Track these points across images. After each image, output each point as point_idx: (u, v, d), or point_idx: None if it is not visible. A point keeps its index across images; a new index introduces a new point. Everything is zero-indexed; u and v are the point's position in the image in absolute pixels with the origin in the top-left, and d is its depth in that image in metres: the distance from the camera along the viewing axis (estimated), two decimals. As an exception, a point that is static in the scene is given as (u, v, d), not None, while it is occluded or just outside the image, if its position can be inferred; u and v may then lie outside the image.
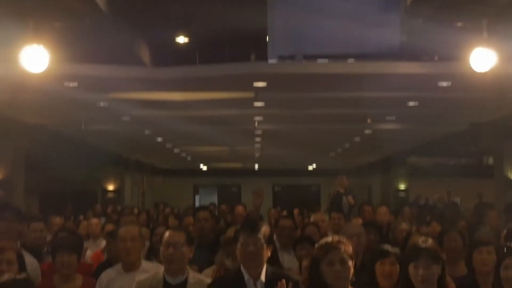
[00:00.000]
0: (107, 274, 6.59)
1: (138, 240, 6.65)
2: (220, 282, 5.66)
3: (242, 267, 5.33)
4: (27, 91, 13.21)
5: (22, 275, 5.18)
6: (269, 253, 5.39)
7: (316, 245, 5.02)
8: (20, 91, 13.23)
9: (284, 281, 4.90)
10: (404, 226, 8.87)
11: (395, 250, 5.87)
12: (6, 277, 4.98)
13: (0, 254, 5.83)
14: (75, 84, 12.55)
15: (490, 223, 11.52)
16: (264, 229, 5.36)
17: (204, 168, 39.97)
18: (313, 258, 4.96)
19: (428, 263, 4.75)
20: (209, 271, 6.87)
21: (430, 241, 5.03)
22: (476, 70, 9.84)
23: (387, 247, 6.06)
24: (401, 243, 7.45)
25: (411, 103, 15.27)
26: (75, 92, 13.08)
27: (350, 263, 4.79)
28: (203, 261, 7.40)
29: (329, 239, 4.93)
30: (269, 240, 5.40)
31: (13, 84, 12.34)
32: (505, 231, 9.18)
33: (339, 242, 4.84)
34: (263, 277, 5.28)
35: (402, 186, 31.23)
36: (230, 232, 6.91)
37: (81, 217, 14.85)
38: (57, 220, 12.13)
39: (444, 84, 12.74)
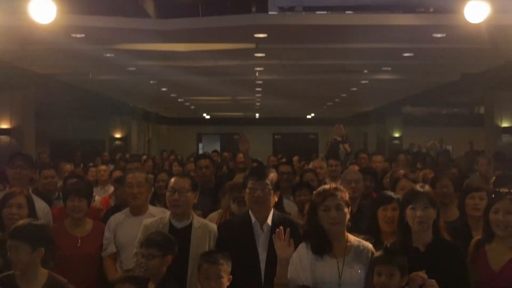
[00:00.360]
0: (116, 218, 6.87)
1: (145, 186, 6.92)
2: (229, 224, 5.93)
3: (250, 211, 5.60)
4: (36, 42, 13.32)
5: (39, 221, 5.50)
6: (276, 199, 5.65)
7: (314, 192, 5.24)
8: (29, 42, 13.36)
9: (281, 228, 5.12)
10: (402, 172, 9.21)
11: (398, 196, 5.99)
12: (21, 222, 5.27)
13: (11, 198, 6.15)
14: (82, 35, 12.56)
15: (480, 169, 11.76)
16: (272, 175, 5.62)
17: (207, 117, 39.96)
18: (311, 204, 5.16)
19: (426, 205, 5.09)
20: (214, 215, 7.00)
21: (427, 186, 5.35)
22: (470, 22, 9.93)
23: (390, 193, 6.28)
24: (390, 187, 7.84)
25: (406, 54, 15.32)
26: (82, 43, 13.11)
27: (346, 210, 4.99)
28: (205, 207, 7.63)
29: (326, 186, 5.17)
30: (277, 186, 5.64)
31: (22, 35, 12.38)
32: (494, 177, 9.64)
33: (336, 189, 5.05)
34: (269, 221, 5.55)
35: (396, 134, 31.41)
36: (238, 178, 7.04)
37: (90, 164, 15.12)
38: (67, 167, 12.46)
39: (439, 35, 12.77)
